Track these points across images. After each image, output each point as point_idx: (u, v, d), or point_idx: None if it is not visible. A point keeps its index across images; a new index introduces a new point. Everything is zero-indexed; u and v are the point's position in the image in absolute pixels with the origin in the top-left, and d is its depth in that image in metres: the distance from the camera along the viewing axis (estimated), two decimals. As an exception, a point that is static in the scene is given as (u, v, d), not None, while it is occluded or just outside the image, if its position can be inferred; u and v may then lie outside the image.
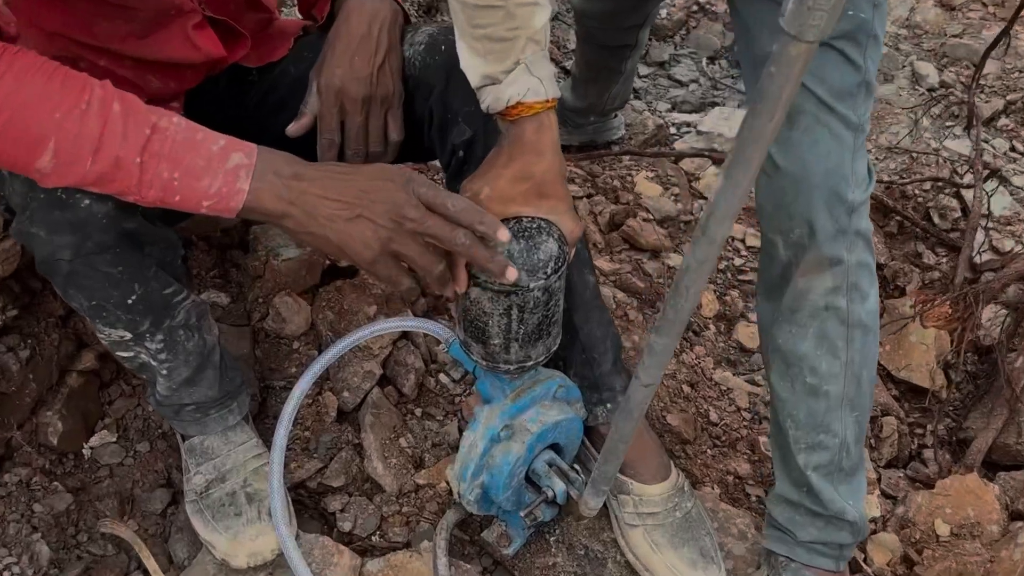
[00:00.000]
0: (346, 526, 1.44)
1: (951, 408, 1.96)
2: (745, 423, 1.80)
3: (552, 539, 1.49)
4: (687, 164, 2.40)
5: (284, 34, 1.44)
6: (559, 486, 1.31)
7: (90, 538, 1.47)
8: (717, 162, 2.33)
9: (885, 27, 1.27)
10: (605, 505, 1.52)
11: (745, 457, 1.74)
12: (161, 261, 1.24)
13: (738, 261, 2.15)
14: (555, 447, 1.39)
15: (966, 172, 2.33)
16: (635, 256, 2.07)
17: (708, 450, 1.73)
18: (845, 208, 1.23)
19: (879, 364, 1.64)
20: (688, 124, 2.62)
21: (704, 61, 2.93)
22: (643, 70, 2.93)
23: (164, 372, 1.33)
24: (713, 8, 3.19)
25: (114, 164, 0.94)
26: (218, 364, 1.39)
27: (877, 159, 2.53)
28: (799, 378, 1.32)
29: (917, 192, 2.34)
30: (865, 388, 1.34)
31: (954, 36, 3.09)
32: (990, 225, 2.22)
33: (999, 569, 1.50)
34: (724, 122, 2.46)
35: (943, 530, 1.60)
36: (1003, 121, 2.73)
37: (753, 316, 2.03)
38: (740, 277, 2.11)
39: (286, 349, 1.68)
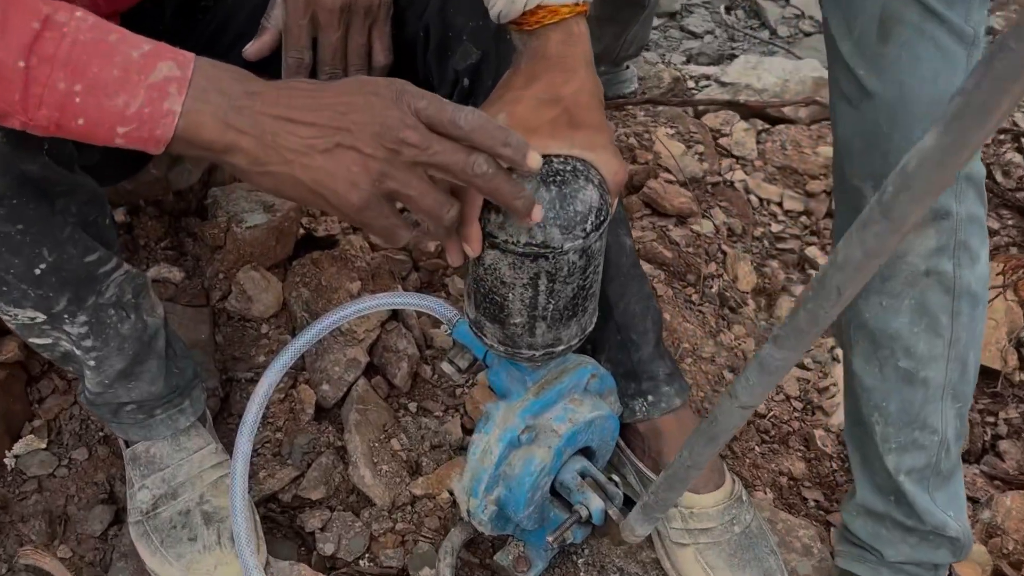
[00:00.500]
0: (328, 549, 1.27)
1: (1026, 392, 1.72)
2: (796, 414, 1.57)
3: (580, 561, 1.28)
4: (711, 120, 2.16)
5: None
6: (595, 503, 1.07)
7: (10, 569, 1.26)
8: (749, 115, 2.08)
9: None
10: (643, 518, 1.28)
11: (799, 454, 1.51)
12: (81, 219, 1.01)
13: (775, 227, 1.90)
14: (586, 451, 1.16)
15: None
16: (659, 222, 1.82)
17: (756, 447, 1.50)
18: None
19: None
20: (707, 76, 2.36)
21: (722, 10, 2.68)
22: (653, 21, 2.67)
23: (92, 363, 1.11)
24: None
25: None
26: (163, 352, 1.17)
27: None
28: (890, 362, 1.10)
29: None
30: (971, 373, 1.13)
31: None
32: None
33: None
34: (751, 71, 2.21)
35: (1042, 539, 1.39)
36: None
37: (797, 290, 1.79)
38: (779, 245, 1.87)
39: (253, 334, 1.50)
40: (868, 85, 1.01)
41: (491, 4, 0.93)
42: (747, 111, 2.19)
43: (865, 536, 1.19)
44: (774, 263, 1.84)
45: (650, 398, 1.23)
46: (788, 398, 1.59)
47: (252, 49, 1.10)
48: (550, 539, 1.09)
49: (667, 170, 1.95)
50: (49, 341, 1.08)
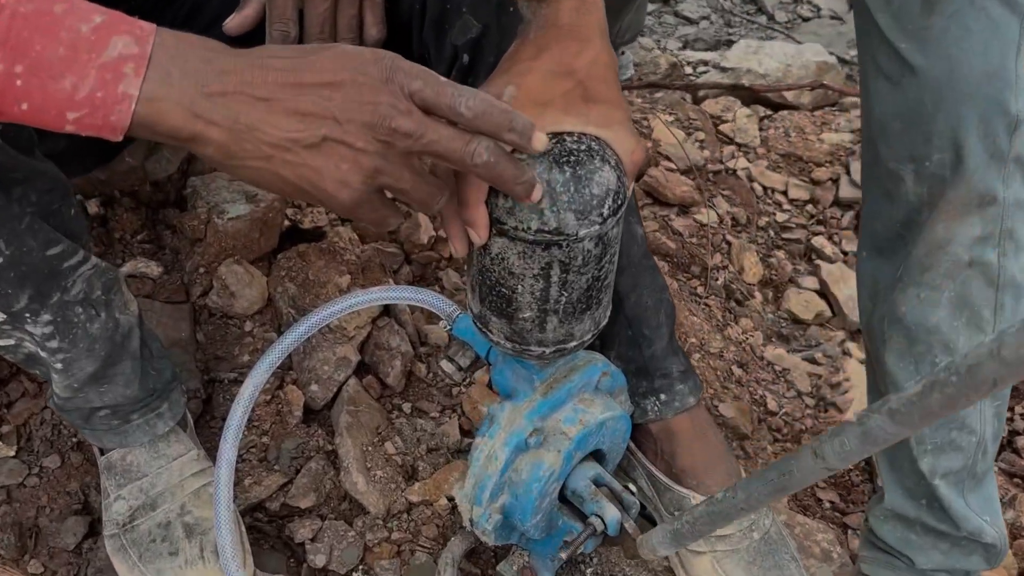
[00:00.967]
0: (319, 560, 1.21)
1: (1043, 386, 1.67)
2: (809, 411, 1.52)
3: (589, 571, 1.23)
4: (711, 106, 2.10)
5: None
6: (611, 514, 1.00)
7: (-24, 587, 1.17)
8: (750, 101, 2.02)
9: None
10: (654, 523, 1.21)
11: None
12: (42, 209, 0.95)
13: (781, 216, 1.85)
14: (596, 454, 1.10)
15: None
16: (660, 212, 1.77)
17: (768, 446, 1.45)
18: (1006, 124, 0.95)
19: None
20: (705, 62, 2.30)
21: (718, -5, 2.62)
22: (647, 7, 2.61)
23: (59, 366, 1.05)
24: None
25: None
26: (138, 352, 1.12)
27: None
28: (927, 358, 1.04)
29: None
30: None
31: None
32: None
33: None
34: (752, 56, 2.15)
35: (1070, 540, 1.34)
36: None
37: (805, 281, 1.73)
38: (785, 235, 1.82)
39: (236, 332, 1.44)
40: (911, 60, 0.95)
41: None
42: (749, 97, 2.14)
43: (894, 542, 1.13)
44: (780, 254, 1.79)
45: (663, 397, 1.17)
46: (800, 394, 1.54)
47: (233, 23, 1.02)
48: (563, 555, 1.02)
49: (667, 158, 1.89)
50: (11, 342, 1.02)
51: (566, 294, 0.87)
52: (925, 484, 1.08)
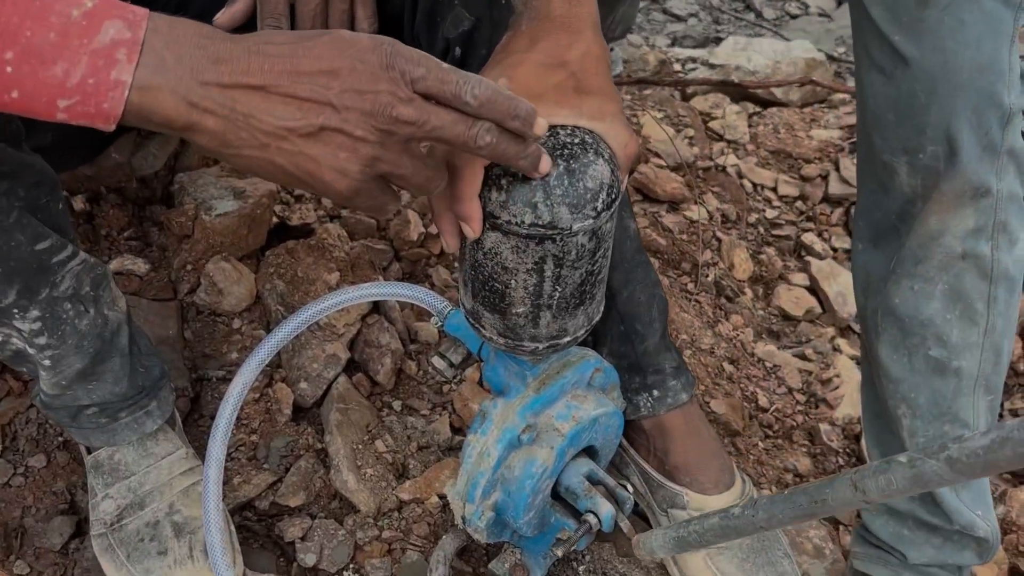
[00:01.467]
0: (309, 559, 1.20)
1: (1031, 382, 1.68)
2: (800, 408, 1.52)
3: (581, 568, 1.21)
4: (700, 103, 2.10)
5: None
6: (605, 510, 0.99)
7: (-39, 589, 1.15)
8: (739, 98, 2.02)
9: None
10: (648, 522, 1.21)
11: (804, 449, 1.46)
12: (29, 203, 0.94)
13: (770, 213, 1.84)
14: (588, 451, 1.09)
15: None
16: (651, 208, 1.76)
17: (760, 443, 1.44)
18: (999, 117, 0.96)
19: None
20: (694, 59, 2.30)
21: (706, -8, 2.62)
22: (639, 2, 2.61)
23: (47, 363, 1.03)
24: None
25: None
26: (126, 350, 1.10)
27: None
28: (920, 350, 1.05)
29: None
30: (1004, 363, 1.07)
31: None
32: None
33: None
34: (741, 53, 2.15)
35: (1059, 535, 1.35)
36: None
37: (795, 277, 1.73)
38: (775, 232, 1.81)
39: (224, 329, 1.43)
40: (905, 52, 0.95)
41: None
42: (738, 93, 2.13)
43: (886, 537, 1.13)
44: (770, 250, 1.79)
45: (656, 393, 1.16)
46: (791, 391, 1.53)
47: (223, 18, 1.01)
48: (558, 552, 1.01)
49: (657, 154, 1.88)
50: (-1, 339, 1.00)
51: (560, 289, 0.86)
52: None
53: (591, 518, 1.00)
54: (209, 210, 1.45)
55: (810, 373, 1.57)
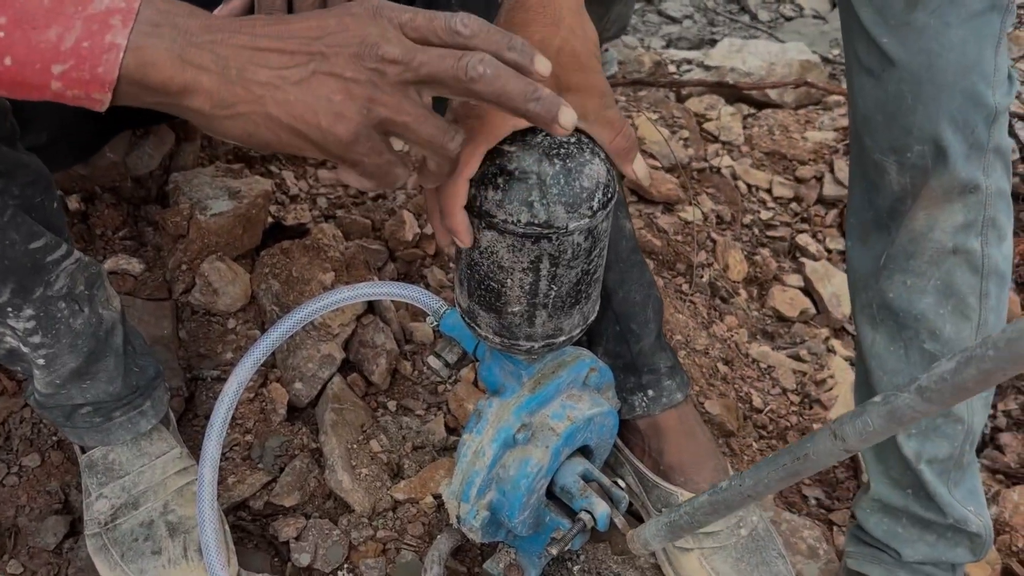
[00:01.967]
0: (304, 559, 1.20)
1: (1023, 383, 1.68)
2: (794, 408, 1.52)
3: (576, 568, 1.21)
4: (695, 104, 2.10)
5: None
6: (600, 509, 0.99)
7: (-46, 589, 1.15)
8: (734, 100, 2.02)
9: None
10: (641, 521, 1.21)
11: None
12: (24, 202, 0.93)
13: (765, 214, 1.84)
14: (583, 451, 1.09)
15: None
16: (645, 210, 1.76)
17: (754, 443, 1.45)
18: (984, 116, 0.97)
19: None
20: (688, 61, 2.30)
21: (701, -6, 2.62)
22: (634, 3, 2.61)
23: (41, 362, 1.03)
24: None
25: None
26: (121, 349, 1.10)
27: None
28: (914, 343, 1.05)
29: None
30: None
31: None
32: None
33: None
34: (736, 55, 2.15)
35: (1053, 535, 1.34)
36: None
37: (789, 279, 1.73)
38: (769, 233, 1.81)
39: (219, 329, 1.42)
40: (892, 54, 0.96)
41: None
42: (732, 95, 2.13)
43: (881, 535, 1.14)
44: (765, 251, 1.79)
45: (651, 393, 1.16)
46: (785, 391, 1.53)
47: (223, 13, 0.99)
48: (553, 550, 1.01)
49: (652, 156, 1.88)
50: (-7, 338, 1.00)
51: (555, 288, 0.86)
52: (911, 472, 1.08)
53: (585, 516, 0.99)
54: (204, 210, 1.44)
55: (804, 374, 1.57)
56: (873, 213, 1.05)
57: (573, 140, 0.82)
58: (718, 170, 1.92)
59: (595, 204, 0.82)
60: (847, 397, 1.51)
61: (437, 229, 0.83)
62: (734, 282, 1.71)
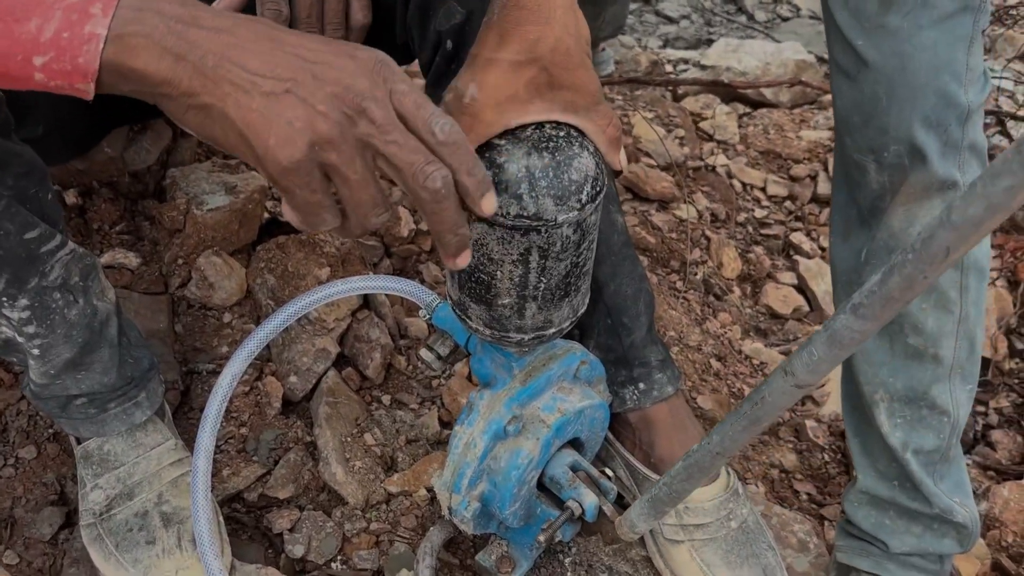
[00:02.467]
0: (297, 551, 1.20)
1: (1016, 381, 1.68)
2: (786, 404, 1.50)
3: (567, 560, 1.20)
4: (690, 103, 2.10)
5: None
6: (588, 499, 0.99)
7: (-50, 579, 1.15)
8: (730, 99, 2.02)
9: None
10: (633, 514, 1.21)
11: (790, 446, 1.45)
12: (18, 193, 0.92)
13: (759, 213, 1.85)
14: (574, 443, 1.10)
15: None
16: (640, 207, 1.76)
17: None
18: (957, 115, 0.97)
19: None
20: (685, 60, 2.30)
21: (698, -6, 2.63)
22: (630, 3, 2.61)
23: (36, 352, 1.02)
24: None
25: None
26: (116, 340, 1.09)
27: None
28: (899, 337, 1.06)
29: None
30: (978, 352, 1.09)
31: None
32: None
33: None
34: (732, 54, 2.15)
35: (1042, 531, 1.34)
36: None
37: (783, 276, 1.73)
38: (763, 231, 1.82)
39: (214, 323, 1.42)
40: (866, 56, 0.97)
41: None
42: (728, 94, 2.14)
43: (869, 527, 1.14)
44: (759, 249, 1.79)
45: (641, 386, 1.16)
46: (777, 387, 1.54)
47: (222, 6, 0.99)
48: (541, 538, 1.01)
49: (647, 154, 1.89)
50: (-12, 328, 0.99)
51: (545, 280, 0.87)
52: (897, 463, 1.09)
53: (573, 505, 1.00)
54: (201, 205, 1.44)
55: (797, 370, 1.58)
56: (855, 210, 1.06)
57: (562, 134, 0.83)
58: (713, 168, 1.93)
59: (584, 197, 0.82)
60: (839, 393, 1.52)
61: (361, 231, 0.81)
62: (728, 279, 1.72)
